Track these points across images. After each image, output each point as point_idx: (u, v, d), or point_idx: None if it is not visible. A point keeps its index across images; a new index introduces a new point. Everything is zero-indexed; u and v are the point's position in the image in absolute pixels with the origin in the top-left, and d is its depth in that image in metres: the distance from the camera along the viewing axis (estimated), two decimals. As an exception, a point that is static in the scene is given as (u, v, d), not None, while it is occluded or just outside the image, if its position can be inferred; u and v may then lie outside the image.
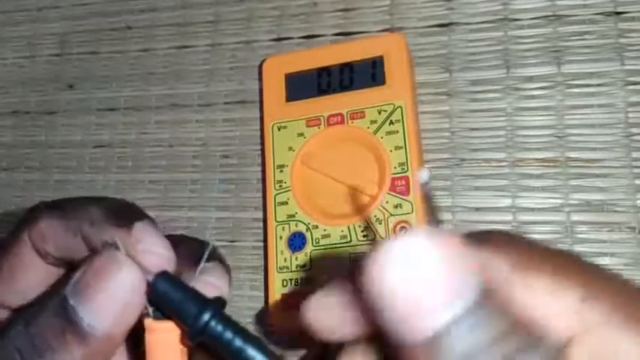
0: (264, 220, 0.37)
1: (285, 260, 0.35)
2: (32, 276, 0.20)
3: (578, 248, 0.33)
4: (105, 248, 0.17)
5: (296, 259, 0.34)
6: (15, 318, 0.18)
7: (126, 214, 0.19)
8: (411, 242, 0.13)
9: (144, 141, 0.43)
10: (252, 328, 0.36)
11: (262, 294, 0.37)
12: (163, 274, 0.17)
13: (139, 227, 0.18)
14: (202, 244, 0.20)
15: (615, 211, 0.34)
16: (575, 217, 0.34)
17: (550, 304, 0.15)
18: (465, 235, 0.15)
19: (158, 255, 0.18)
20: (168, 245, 0.18)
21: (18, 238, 0.20)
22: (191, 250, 0.20)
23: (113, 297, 0.17)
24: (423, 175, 0.15)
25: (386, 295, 0.12)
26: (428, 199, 0.15)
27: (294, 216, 0.35)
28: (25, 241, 0.20)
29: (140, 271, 0.17)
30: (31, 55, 0.49)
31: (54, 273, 0.20)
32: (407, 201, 0.34)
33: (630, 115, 0.35)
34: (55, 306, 0.17)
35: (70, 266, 0.20)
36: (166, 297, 0.17)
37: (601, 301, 0.14)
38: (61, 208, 0.19)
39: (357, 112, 0.36)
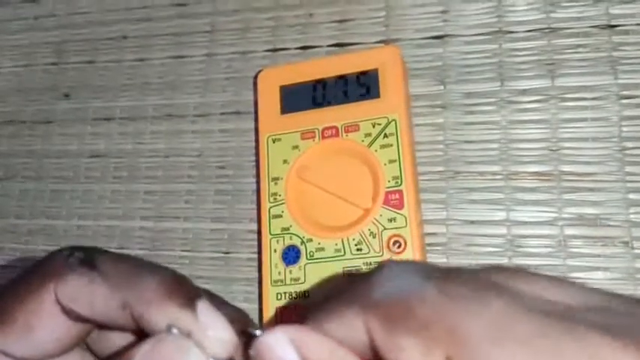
0: (259, 232, 0.38)
1: (279, 273, 0.35)
2: (51, 329, 0.19)
3: (571, 262, 0.34)
4: (170, 333, 0.17)
5: (290, 272, 0.35)
6: None
7: (183, 290, 0.18)
8: (265, 342, 0.16)
9: (140, 151, 0.43)
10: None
11: (257, 306, 0.37)
12: None
13: (204, 309, 0.17)
14: (240, 313, 0.20)
15: (609, 226, 0.34)
16: (568, 231, 0.34)
17: None
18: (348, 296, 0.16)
19: (226, 342, 0.17)
20: (231, 329, 0.17)
21: (40, 288, 0.18)
22: (233, 320, 0.19)
23: None
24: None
25: None
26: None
27: (288, 229, 0.35)
28: (50, 293, 0.18)
29: None
30: (27, 63, 0.49)
31: (75, 327, 0.19)
32: (401, 215, 0.34)
33: (624, 128, 0.35)
34: None
35: (100, 326, 0.19)
36: None
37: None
38: (100, 269, 0.18)
39: (351, 125, 0.36)
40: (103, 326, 0.19)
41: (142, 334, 0.17)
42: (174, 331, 0.17)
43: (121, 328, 0.19)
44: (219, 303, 0.19)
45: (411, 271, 0.15)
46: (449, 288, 0.14)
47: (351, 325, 0.15)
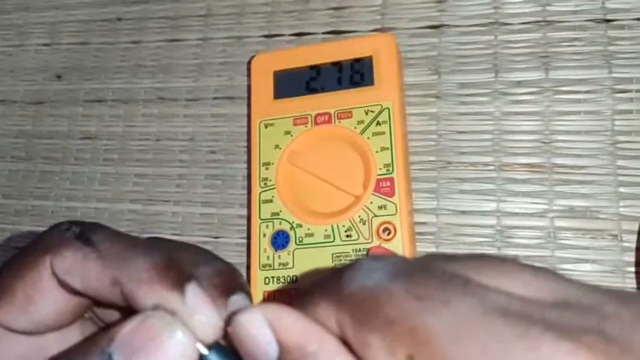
0: (249, 218, 0.37)
1: (268, 258, 0.35)
2: (50, 302, 0.19)
3: (560, 254, 0.34)
4: (157, 311, 0.17)
5: (279, 257, 0.34)
6: None
7: (173, 272, 0.17)
8: (242, 321, 0.16)
9: (131, 134, 0.43)
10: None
11: (244, 291, 0.37)
12: (216, 346, 0.17)
13: (192, 292, 0.17)
14: (229, 269, 0.19)
15: (598, 218, 0.34)
16: (558, 223, 0.34)
17: None
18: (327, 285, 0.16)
19: (212, 325, 0.17)
20: (218, 313, 0.17)
21: (38, 261, 0.18)
22: (218, 274, 0.19)
23: None
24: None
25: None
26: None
27: (278, 214, 0.35)
28: (46, 266, 0.18)
29: (194, 341, 0.17)
30: (20, 43, 0.49)
31: (73, 301, 0.19)
32: (391, 202, 0.34)
33: (616, 122, 0.35)
34: None
35: (95, 302, 0.19)
36: None
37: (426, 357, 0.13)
38: (95, 245, 0.18)
39: (344, 112, 0.36)
40: (98, 302, 0.19)
41: (134, 312, 0.17)
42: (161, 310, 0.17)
43: (113, 305, 0.19)
44: (209, 258, 0.19)
45: (382, 268, 0.15)
46: (415, 287, 0.14)
47: (324, 318, 0.15)
